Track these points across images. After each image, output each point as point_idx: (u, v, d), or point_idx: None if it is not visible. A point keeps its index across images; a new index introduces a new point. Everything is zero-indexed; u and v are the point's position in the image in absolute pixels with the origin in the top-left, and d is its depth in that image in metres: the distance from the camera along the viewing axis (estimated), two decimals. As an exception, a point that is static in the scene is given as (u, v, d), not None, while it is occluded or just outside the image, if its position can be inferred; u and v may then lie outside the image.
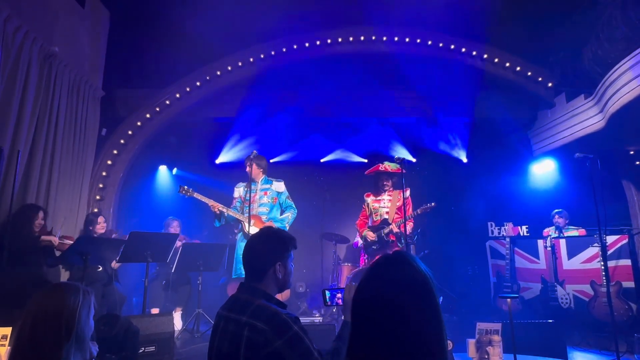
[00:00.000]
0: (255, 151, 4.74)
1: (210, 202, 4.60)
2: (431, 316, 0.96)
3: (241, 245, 4.71)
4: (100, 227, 4.77)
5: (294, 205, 4.89)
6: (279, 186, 4.87)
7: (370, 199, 5.00)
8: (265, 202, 4.76)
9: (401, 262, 1.03)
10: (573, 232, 5.55)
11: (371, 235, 4.78)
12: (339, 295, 1.95)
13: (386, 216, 4.82)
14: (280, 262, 1.79)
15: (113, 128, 6.09)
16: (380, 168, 4.87)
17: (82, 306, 1.50)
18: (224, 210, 4.63)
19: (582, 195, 5.11)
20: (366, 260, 5.08)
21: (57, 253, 4.08)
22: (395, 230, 4.60)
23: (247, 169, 4.81)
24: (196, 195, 4.57)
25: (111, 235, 5.06)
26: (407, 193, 4.74)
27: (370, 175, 5.11)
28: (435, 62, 6.47)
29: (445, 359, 0.96)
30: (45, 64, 4.49)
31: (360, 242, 6.40)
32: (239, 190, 4.93)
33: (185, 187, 4.56)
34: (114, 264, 4.60)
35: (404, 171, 4.22)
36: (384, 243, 4.71)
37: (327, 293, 1.96)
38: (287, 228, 4.68)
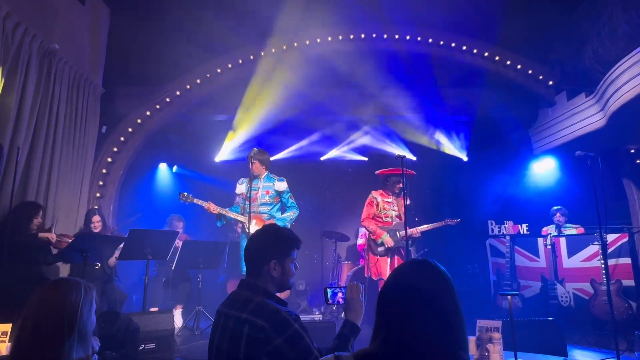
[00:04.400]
0: (255, 148, 4.71)
1: (210, 207, 4.58)
2: (454, 309, 1.15)
3: (244, 243, 4.70)
4: (94, 226, 4.70)
5: (296, 205, 4.86)
6: (281, 185, 4.82)
7: (380, 198, 5.02)
8: (266, 201, 4.73)
9: (428, 265, 1.21)
10: (571, 230, 5.56)
11: (389, 242, 4.80)
12: (340, 294, 1.95)
13: (397, 220, 4.96)
14: (275, 260, 1.75)
15: (113, 125, 6.09)
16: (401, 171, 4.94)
17: (84, 302, 1.50)
18: (224, 212, 4.61)
19: (582, 193, 5.11)
20: (367, 260, 5.08)
21: (54, 251, 4.08)
22: (417, 235, 4.90)
23: (250, 165, 4.77)
24: (196, 201, 4.56)
25: (109, 233, 5.06)
26: (407, 201, 4.89)
27: (381, 174, 5.12)
28: (436, 59, 6.45)
29: (466, 343, 1.13)
30: (45, 60, 4.48)
31: (361, 242, 6.42)
32: (242, 187, 4.88)
33: (185, 193, 4.55)
34: (112, 261, 4.59)
35: (405, 171, 4.22)
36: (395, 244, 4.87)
37: (329, 291, 1.95)
38: (289, 227, 4.66)
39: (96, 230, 4.70)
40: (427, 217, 5.17)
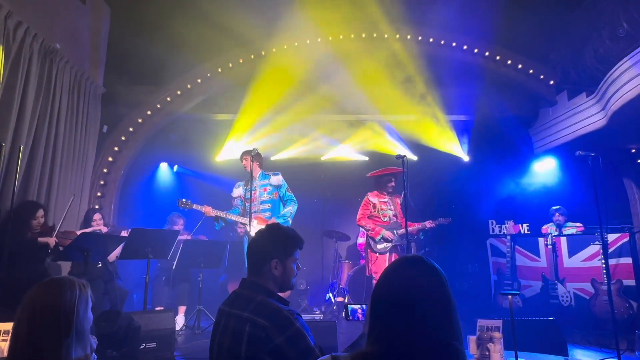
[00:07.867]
0: (256, 148, 4.72)
1: (207, 210, 4.59)
2: (447, 302, 1.15)
3: (246, 246, 4.70)
4: (96, 224, 4.66)
5: (294, 198, 4.85)
6: (277, 179, 4.83)
7: (376, 199, 5.04)
8: (266, 198, 4.74)
9: (418, 261, 1.22)
10: (571, 228, 5.55)
11: (390, 235, 4.88)
12: (360, 310, 1.96)
13: (394, 219, 5.00)
14: (277, 259, 1.75)
15: (114, 125, 6.09)
16: (393, 170, 5.00)
17: (79, 300, 1.47)
18: (224, 215, 4.62)
19: (583, 193, 5.10)
20: (367, 259, 5.10)
21: (61, 248, 4.08)
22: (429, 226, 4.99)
23: (244, 162, 4.81)
24: (195, 206, 4.58)
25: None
26: (399, 200, 5.11)
27: (374, 175, 5.16)
28: (436, 59, 6.44)
29: (459, 333, 1.13)
30: (46, 60, 4.49)
31: (361, 241, 6.43)
32: (239, 190, 4.89)
33: (184, 200, 4.57)
34: (112, 257, 4.57)
35: (405, 170, 4.23)
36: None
37: (349, 308, 1.97)
38: (290, 222, 4.66)
39: (98, 229, 4.65)
40: (427, 217, 5.17)
